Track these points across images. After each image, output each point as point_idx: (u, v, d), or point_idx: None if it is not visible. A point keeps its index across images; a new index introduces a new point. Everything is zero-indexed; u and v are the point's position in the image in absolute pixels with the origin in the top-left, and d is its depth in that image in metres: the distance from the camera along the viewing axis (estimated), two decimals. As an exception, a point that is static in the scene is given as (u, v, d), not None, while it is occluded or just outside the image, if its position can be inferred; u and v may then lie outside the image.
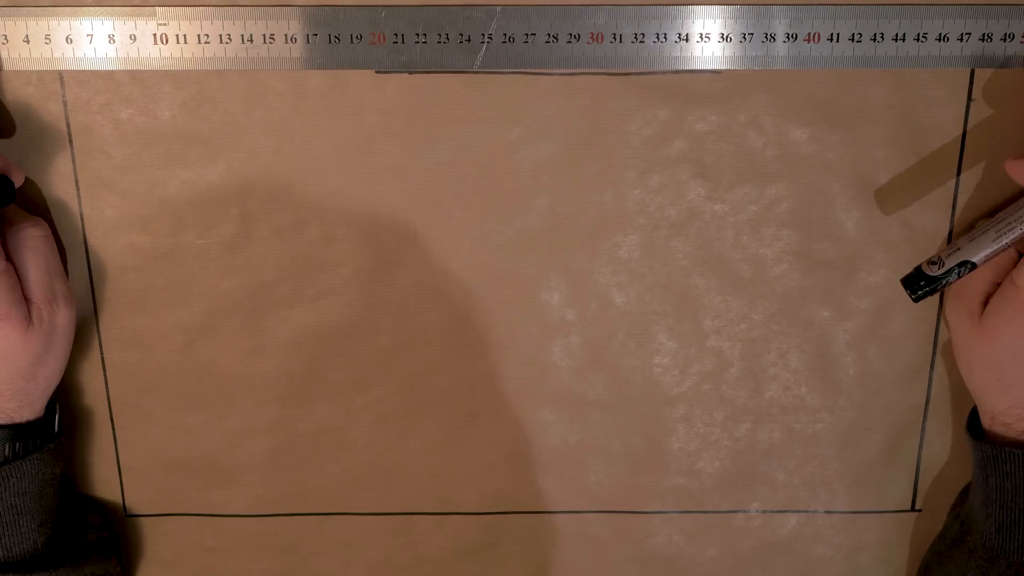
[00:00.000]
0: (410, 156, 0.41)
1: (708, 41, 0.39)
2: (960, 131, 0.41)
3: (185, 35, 0.38)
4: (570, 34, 0.38)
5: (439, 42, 0.38)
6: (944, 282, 0.39)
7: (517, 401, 0.44)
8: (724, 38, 0.38)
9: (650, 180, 0.41)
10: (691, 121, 0.41)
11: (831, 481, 0.46)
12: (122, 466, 0.45)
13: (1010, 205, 0.39)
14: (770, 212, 0.42)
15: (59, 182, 0.41)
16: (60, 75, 0.39)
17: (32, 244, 0.40)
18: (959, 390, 0.44)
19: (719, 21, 0.38)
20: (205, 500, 0.46)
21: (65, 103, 0.40)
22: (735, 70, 0.40)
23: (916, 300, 0.39)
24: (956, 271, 0.39)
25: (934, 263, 0.39)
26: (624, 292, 0.43)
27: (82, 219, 0.41)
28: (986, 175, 0.41)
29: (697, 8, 0.38)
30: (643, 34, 0.38)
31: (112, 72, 0.39)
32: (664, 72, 0.40)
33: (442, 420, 0.45)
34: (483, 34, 0.37)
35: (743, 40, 0.39)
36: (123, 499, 0.46)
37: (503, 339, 0.43)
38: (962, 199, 0.42)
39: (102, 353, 0.43)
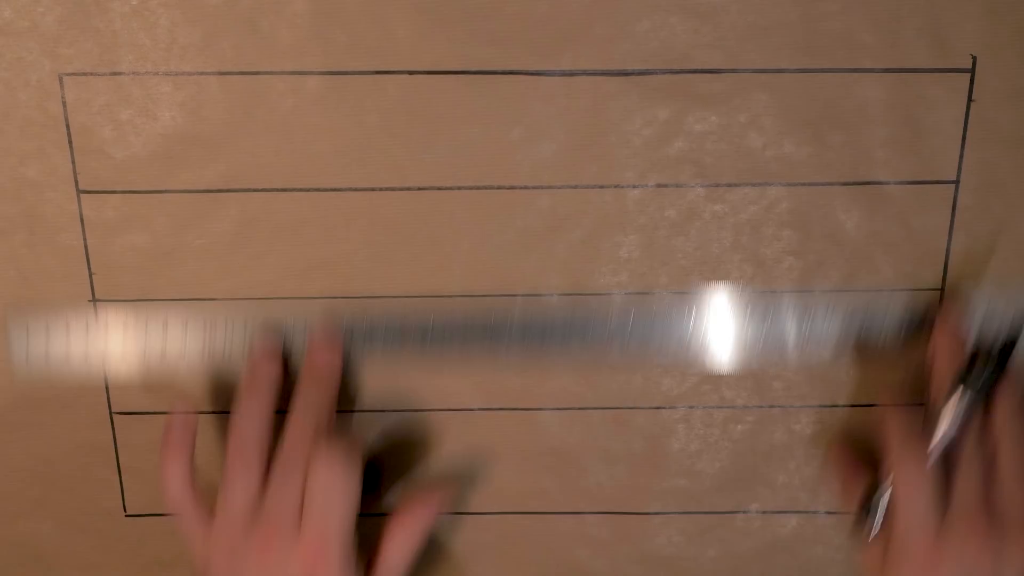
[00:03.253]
0: (410, 156, 0.41)
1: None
2: (960, 131, 0.41)
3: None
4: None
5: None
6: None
7: (517, 401, 0.44)
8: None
9: (650, 180, 0.41)
10: (691, 121, 0.41)
11: (831, 482, 0.46)
12: (122, 466, 0.45)
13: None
14: (770, 212, 0.42)
15: (59, 183, 0.41)
16: (60, 77, 0.39)
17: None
18: (959, 390, 0.44)
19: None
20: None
21: (64, 104, 0.40)
22: (735, 71, 0.40)
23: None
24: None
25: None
26: (624, 292, 0.43)
27: (82, 219, 0.41)
28: (986, 175, 0.41)
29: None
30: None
31: (112, 73, 0.39)
32: (664, 72, 0.40)
33: (443, 420, 0.45)
34: None
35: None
36: (123, 499, 0.46)
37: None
38: (962, 199, 0.42)
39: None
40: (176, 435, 0.41)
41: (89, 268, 0.42)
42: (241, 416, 0.41)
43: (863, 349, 0.44)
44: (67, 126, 0.40)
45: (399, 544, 0.41)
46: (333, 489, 0.39)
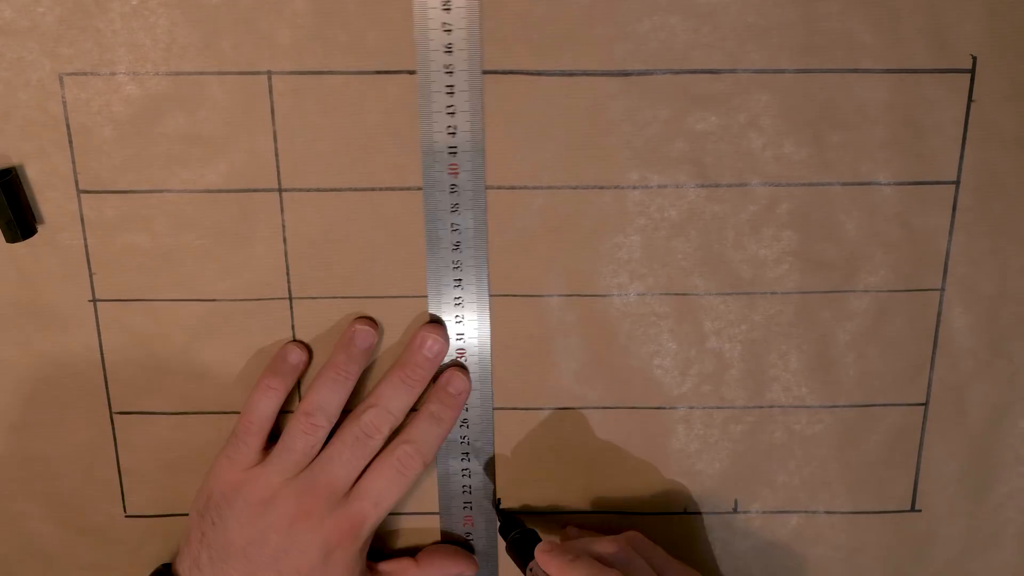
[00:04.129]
0: (410, 156, 0.41)
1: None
2: (960, 131, 0.41)
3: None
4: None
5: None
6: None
7: (517, 401, 0.44)
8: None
9: (650, 180, 0.41)
10: (691, 121, 0.41)
11: (831, 481, 0.46)
12: (122, 466, 0.45)
13: None
14: (770, 213, 0.42)
15: (59, 183, 0.41)
16: (60, 77, 0.39)
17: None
18: (959, 390, 0.44)
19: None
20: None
21: (64, 104, 0.40)
22: (735, 71, 0.40)
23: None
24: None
25: None
26: (624, 293, 0.43)
27: (82, 219, 0.41)
28: (986, 175, 0.41)
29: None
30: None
31: (112, 73, 0.39)
32: (664, 72, 0.40)
33: (442, 420, 0.45)
34: None
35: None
36: (123, 499, 0.46)
37: (503, 339, 0.43)
38: (962, 199, 0.42)
39: (102, 353, 0.43)
40: (291, 366, 0.42)
41: (89, 268, 0.42)
42: (324, 383, 0.42)
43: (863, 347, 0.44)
44: (67, 126, 0.40)
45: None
46: (397, 482, 0.41)
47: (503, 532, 0.44)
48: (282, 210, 0.41)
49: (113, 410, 0.44)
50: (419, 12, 0.39)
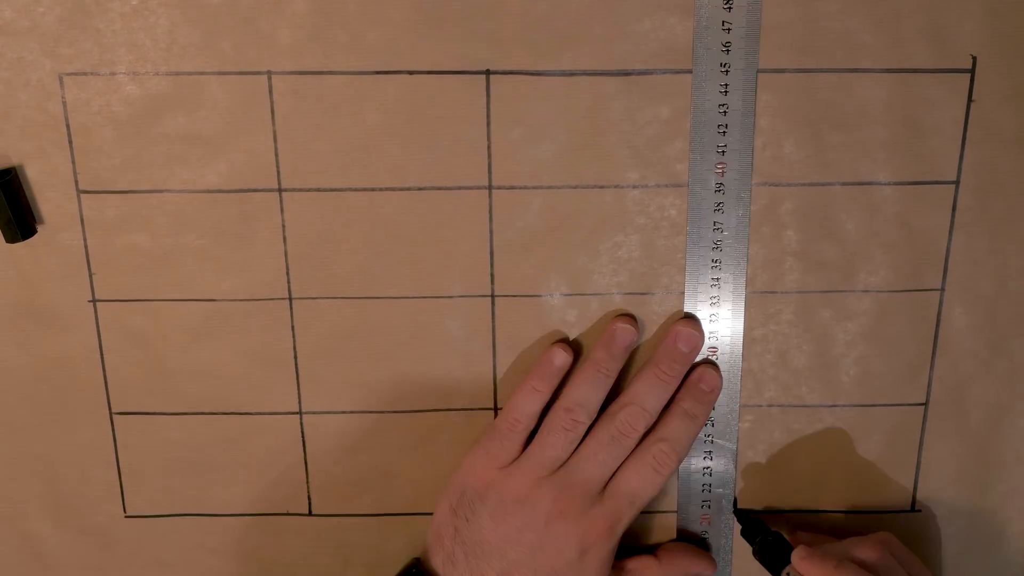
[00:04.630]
0: (410, 156, 0.41)
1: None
2: (960, 131, 0.41)
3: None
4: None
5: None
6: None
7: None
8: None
9: (650, 180, 0.41)
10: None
11: (831, 481, 0.46)
12: (122, 466, 0.45)
13: None
14: (770, 213, 0.42)
15: (59, 183, 0.41)
16: (60, 77, 0.39)
17: None
18: (959, 390, 0.44)
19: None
20: (205, 500, 0.46)
21: (64, 104, 0.40)
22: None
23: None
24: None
25: None
26: (624, 292, 0.43)
27: (82, 219, 0.41)
28: (986, 175, 0.41)
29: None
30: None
31: (112, 73, 0.39)
32: (664, 72, 0.40)
33: (443, 420, 0.45)
34: None
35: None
36: (123, 499, 0.46)
37: (503, 339, 0.43)
38: (962, 199, 0.42)
39: (102, 353, 0.43)
40: (557, 368, 0.42)
41: (89, 268, 0.42)
42: (585, 379, 0.41)
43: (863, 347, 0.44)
44: (67, 126, 0.40)
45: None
46: (652, 481, 0.41)
47: (747, 536, 0.44)
48: (282, 210, 0.42)
49: (113, 410, 0.44)
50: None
